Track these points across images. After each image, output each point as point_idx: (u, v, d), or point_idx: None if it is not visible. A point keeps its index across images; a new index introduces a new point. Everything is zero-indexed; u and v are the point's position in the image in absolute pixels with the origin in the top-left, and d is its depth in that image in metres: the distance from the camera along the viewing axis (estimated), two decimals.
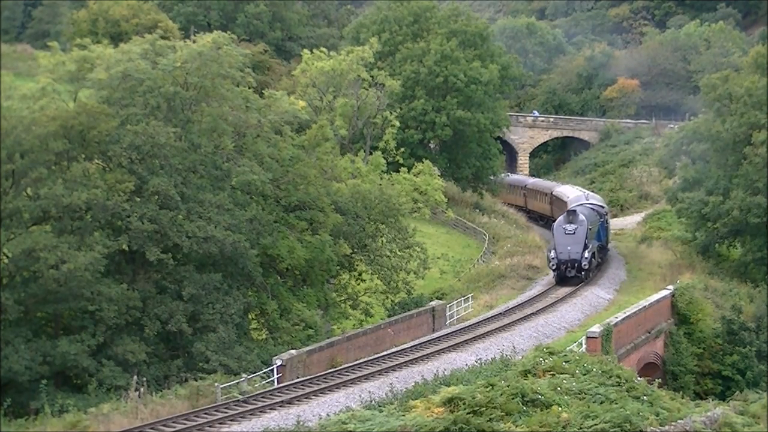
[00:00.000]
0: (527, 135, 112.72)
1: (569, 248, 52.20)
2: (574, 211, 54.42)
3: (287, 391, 31.20)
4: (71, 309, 35.98)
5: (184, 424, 27.41)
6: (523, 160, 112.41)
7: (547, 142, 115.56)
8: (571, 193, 70.98)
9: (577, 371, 31.39)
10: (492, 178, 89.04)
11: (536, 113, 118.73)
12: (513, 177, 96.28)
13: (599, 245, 56.86)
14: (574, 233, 52.59)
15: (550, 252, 53.29)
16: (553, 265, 52.90)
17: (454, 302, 48.27)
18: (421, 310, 45.06)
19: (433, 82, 79.13)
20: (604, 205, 63.73)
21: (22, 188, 36.26)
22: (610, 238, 63.89)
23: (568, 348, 36.41)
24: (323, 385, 31.85)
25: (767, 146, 61.21)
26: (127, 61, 39.72)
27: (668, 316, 48.25)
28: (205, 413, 28.58)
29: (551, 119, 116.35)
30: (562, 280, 52.73)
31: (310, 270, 43.51)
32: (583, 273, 52.71)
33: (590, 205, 60.03)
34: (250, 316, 41.82)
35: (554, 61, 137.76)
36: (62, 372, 35.21)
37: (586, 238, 52.69)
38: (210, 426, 27.45)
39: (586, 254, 52.61)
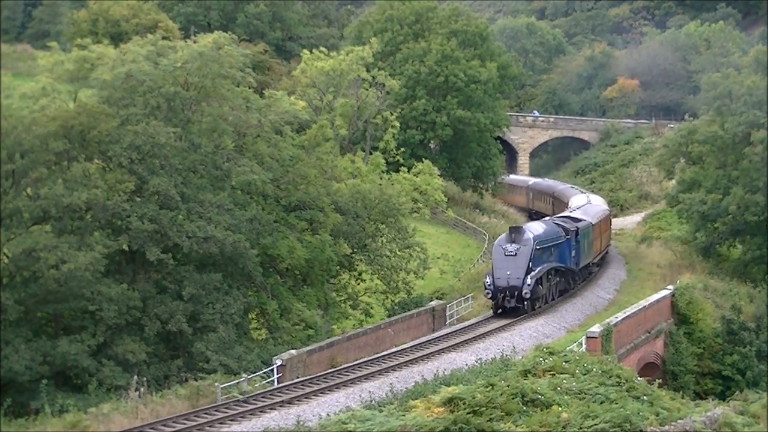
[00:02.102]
0: (527, 135, 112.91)
1: (508, 273, 43.42)
2: (519, 227, 46.06)
3: (287, 391, 31.20)
4: (71, 309, 35.96)
5: (184, 424, 27.41)
6: (523, 160, 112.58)
7: (547, 142, 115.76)
8: (576, 202, 68.03)
9: (577, 371, 31.40)
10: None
11: (536, 113, 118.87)
12: (543, 182, 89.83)
13: (559, 269, 48.15)
14: (515, 255, 43.65)
15: (486, 277, 44.59)
16: (488, 292, 44.21)
17: (454, 302, 48.26)
18: (421, 310, 45.06)
19: (434, 82, 79.18)
20: (584, 218, 54.88)
21: (22, 188, 36.25)
22: (591, 257, 55.19)
23: (568, 348, 36.42)
24: (323, 385, 31.85)
25: (766, 145, 61.35)
26: (131, 62, 39.70)
27: (668, 316, 48.28)
28: (205, 413, 28.58)
29: (551, 119, 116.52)
30: (500, 311, 44.38)
31: (310, 270, 43.51)
32: (525, 303, 43.90)
33: (558, 220, 52.11)
34: (250, 316, 41.82)
35: (554, 61, 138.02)
36: (62, 372, 35.20)
37: (530, 260, 43.76)
38: (210, 426, 27.45)
39: (529, 280, 43.47)
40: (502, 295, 43.76)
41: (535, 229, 46.52)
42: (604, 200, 72.33)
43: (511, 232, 44.87)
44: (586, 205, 64.58)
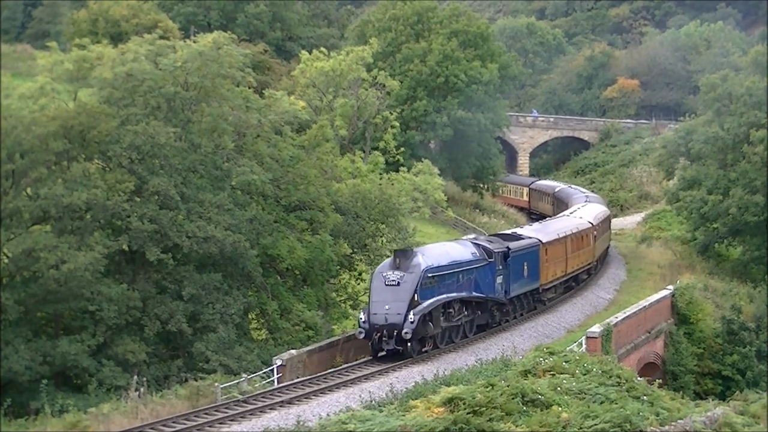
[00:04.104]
0: (527, 135, 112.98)
1: (387, 307, 34.61)
2: (406, 250, 36.59)
3: (287, 391, 31.19)
4: (71, 309, 35.95)
5: (184, 424, 27.40)
6: (523, 160, 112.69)
7: (547, 142, 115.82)
8: (569, 211, 63.64)
9: (577, 371, 31.41)
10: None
11: (535, 112, 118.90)
12: (565, 190, 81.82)
13: (473, 300, 39.32)
14: (397, 284, 34.93)
15: (361, 313, 35.81)
16: (360, 332, 35.26)
17: None
18: None
19: (435, 83, 79.22)
20: (529, 236, 47.04)
21: (22, 188, 36.24)
22: (537, 284, 46.26)
23: (568, 348, 36.44)
24: (323, 385, 31.85)
25: (766, 145, 61.41)
26: (132, 61, 39.69)
27: (668, 316, 48.30)
28: (205, 413, 28.57)
29: (551, 119, 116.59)
30: (378, 354, 35.29)
31: (310, 270, 43.49)
32: (408, 345, 34.63)
33: (484, 240, 43.16)
34: (250, 316, 41.81)
35: (554, 61, 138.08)
36: (62, 372, 35.19)
37: (417, 292, 34.87)
38: (210, 426, 27.44)
39: (412, 317, 34.23)
40: (378, 334, 34.76)
41: (430, 252, 37.74)
42: (600, 210, 64.72)
43: (396, 256, 35.82)
44: (556, 218, 59.33)
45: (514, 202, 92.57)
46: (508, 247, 42.60)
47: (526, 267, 44.39)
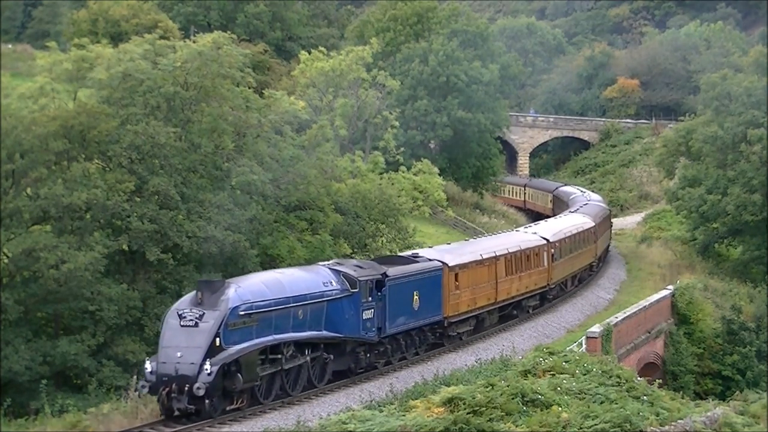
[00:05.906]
0: (527, 135, 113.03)
1: (179, 354, 26.64)
2: (212, 282, 28.57)
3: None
4: (71, 309, 35.92)
5: (185, 424, 27.38)
6: (523, 160, 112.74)
7: (547, 142, 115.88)
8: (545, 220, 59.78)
9: (577, 371, 31.43)
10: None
11: (533, 111, 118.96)
12: (577, 196, 75.82)
13: (322, 341, 30.99)
14: (195, 325, 26.95)
15: (148, 361, 27.50)
16: (143, 385, 27.30)
17: None
18: None
19: (435, 83, 79.27)
20: (434, 259, 38.18)
21: (22, 188, 36.23)
22: (436, 316, 37.30)
23: (568, 348, 36.47)
24: (323, 386, 31.82)
25: (765, 144, 61.46)
26: (128, 61, 39.69)
27: (668, 316, 48.33)
28: None
29: (551, 119, 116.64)
30: (172, 413, 26.87)
31: None
32: (207, 403, 26.43)
33: (350, 266, 33.37)
34: None
35: (554, 61, 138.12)
36: (62, 372, 35.17)
37: (219, 334, 26.86)
38: (210, 426, 27.43)
39: (209, 367, 26.27)
40: (166, 389, 26.68)
41: (251, 283, 29.38)
42: (574, 223, 56.09)
43: (199, 288, 27.78)
44: (491, 236, 51.95)
45: (540, 209, 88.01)
46: (384, 274, 33.90)
47: (416, 297, 35.61)
